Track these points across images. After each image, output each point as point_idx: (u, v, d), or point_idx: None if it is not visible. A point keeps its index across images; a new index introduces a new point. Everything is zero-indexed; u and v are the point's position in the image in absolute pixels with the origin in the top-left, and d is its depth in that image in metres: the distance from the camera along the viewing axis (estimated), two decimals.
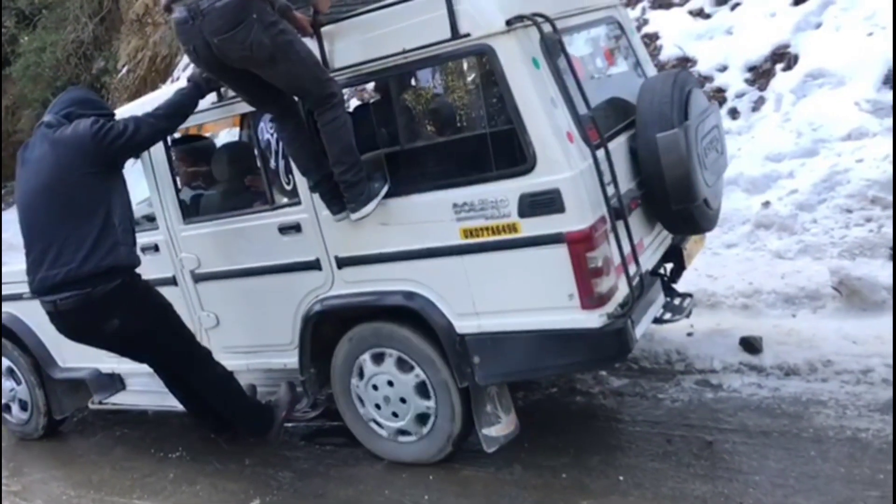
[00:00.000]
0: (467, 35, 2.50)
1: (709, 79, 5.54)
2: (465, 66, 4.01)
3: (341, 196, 2.79)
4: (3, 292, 4.00)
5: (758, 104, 5.27)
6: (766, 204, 4.55)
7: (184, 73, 11.00)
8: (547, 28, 2.55)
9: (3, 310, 4.03)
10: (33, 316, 3.68)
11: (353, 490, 3.10)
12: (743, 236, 4.55)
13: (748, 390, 3.25)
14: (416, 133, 3.78)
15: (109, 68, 12.85)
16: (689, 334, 3.72)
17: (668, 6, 6.09)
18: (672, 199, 2.81)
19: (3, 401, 4.25)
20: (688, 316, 3.17)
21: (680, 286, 3.96)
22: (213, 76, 2.83)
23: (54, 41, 13.07)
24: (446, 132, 3.91)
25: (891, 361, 3.12)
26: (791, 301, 3.83)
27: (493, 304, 2.70)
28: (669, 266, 3.36)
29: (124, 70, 12.46)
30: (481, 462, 3.05)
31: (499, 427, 2.90)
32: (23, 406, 4.22)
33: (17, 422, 4.27)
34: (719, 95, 5.45)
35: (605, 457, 2.95)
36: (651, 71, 3.53)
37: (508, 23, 2.47)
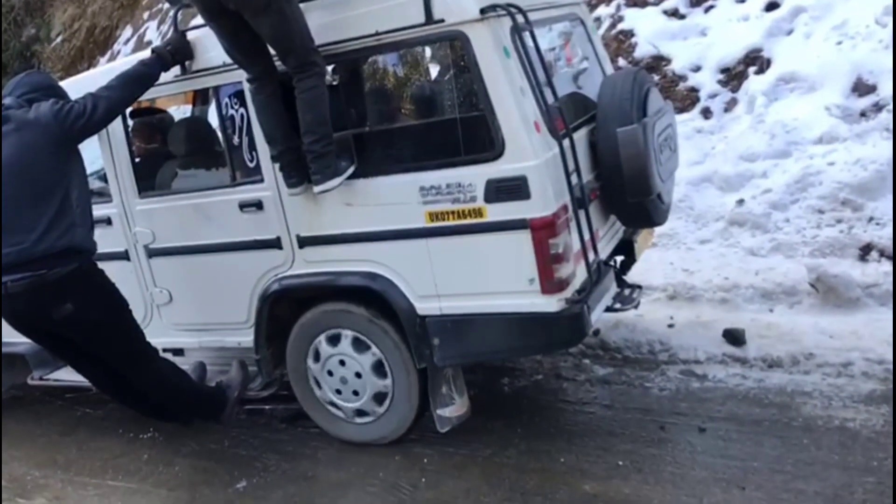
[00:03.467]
0: (441, 21, 2.68)
1: (682, 78, 5.87)
2: (437, 51, 4.27)
3: (301, 169, 2.93)
4: None
5: (730, 105, 5.60)
6: (741, 202, 4.85)
7: (124, 45, 11.01)
8: (519, 19, 2.75)
9: None
10: None
11: (346, 472, 3.20)
12: (717, 233, 4.85)
13: (733, 381, 3.48)
14: (386, 115, 3.97)
15: (42, 36, 12.75)
16: (671, 325, 3.98)
17: (643, 5, 6.42)
18: (629, 191, 3.03)
19: None
20: (636, 307, 3.42)
21: (658, 279, 4.26)
22: (205, 17, 2.91)
23: None
24: (415, 116, 4.10)
25: (870, 356, 3.41)
26: (768, 296, 4.14)
27: (455, 286, 2.88)
28: (620, 258, 3.62)
29: (58, 39, 12.39)
30: (474, 446, 3.21)
31: (452, 408, 3.09)
32: None
33: None
34: (692, 95, 5.78)
35: (602, 442, 3.13)
36: (609, 69, 3.79)
37: (482, 11, 2.66)
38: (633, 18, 6.34)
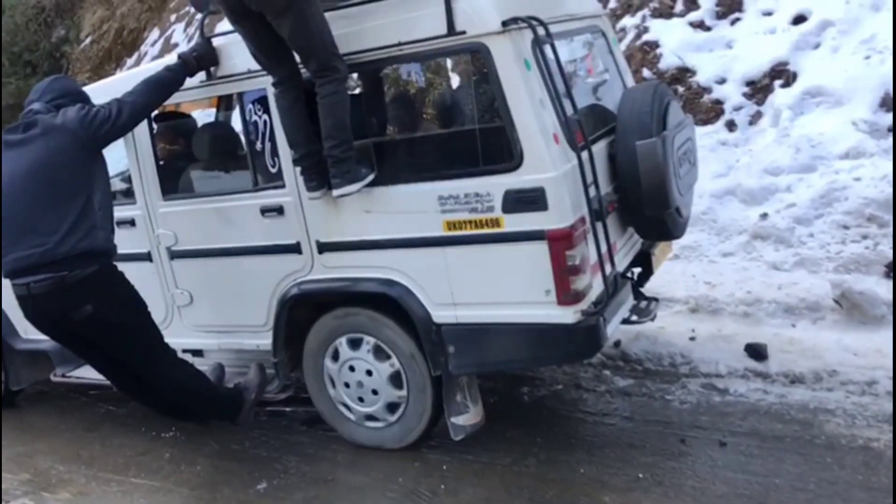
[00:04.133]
0: (463, 32, 2.74)
1: (707, 90, 5.89)
2: (458, 62, 4.34)
3: (321, 174, 3.00)
4: None
5: (755, 118, 5.60)
6: (764, 216, 4.85)
7: (151, 47, 11.22)
8: (540, 31, 2.80)
9: None
10: None
11: (365, 476, 3.24)
12: (740, 246, 4.84)
13: (755, 396, 3.49)
14: (406, 124, 4.05)
15: (71, 38, 13.02)
16: (692, 338, 3.99)
17: (669, 16, 6.46)
18: (646, 205, 3.06)
19: None
20: (652, 319, 3.44)
21: (680, 291, 4.26)
22: (230, 18, 2.97)
23: (13, 5, 13.23)
24: (435, 125, 4.19)
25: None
26: (791, 311, 4.14)
27: (472, 295, 2.92)
28: (637, 270, 3.64)
29: (87, 41, 12.64)
30: (494, 454, 3.24)
31: (466, 417, 3.12)
32: None
33: None
34: (717, 107, 5.79)
35: (622, 454, 3.15)
36: (630, 81, 3.82)
37: (504, 23, 2.71)
38: (659, 30, 6.36)
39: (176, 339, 3.53)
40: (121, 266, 3.20)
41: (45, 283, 2.96)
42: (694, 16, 6.33)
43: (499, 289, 2.90)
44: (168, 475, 3.54)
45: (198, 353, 3.71)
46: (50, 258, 2.94)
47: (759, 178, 5.16)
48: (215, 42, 3.27)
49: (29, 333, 3.99)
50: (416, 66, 4.17)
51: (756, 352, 3.76)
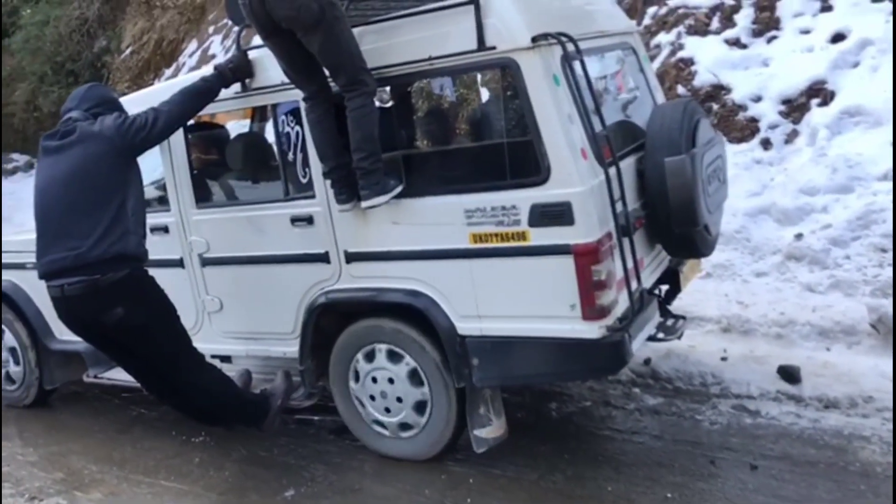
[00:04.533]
0: (493, 48, 2.79)
1: (742, 108, 5.84)
2: (488, 76, 4.40)
3: (351, 186, 3.07)
4: (6, 261, 4.31)
5: (791, 137, 5.55)
6: (799, 236, 4.81)
7: (189, 58, 11.48)
8: (569, 47, 2.84)
9: (4, 277, 4.35)
10: (34, 286, 3.96)
11: (392, 488, 3.26)
12: (773, 266, 4.80)
13: (787, 419, 3.45)
14: (434, 137, 4.13)
15: (112, 48, 13.39)
16: (724, 359, 3.97)
17: (704, 33, 6.45)
18: (675, 221, 3.07)
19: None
20: (679, 338, 3.43)
21: (712, 310, 4.21)
22: (261, 35, 3.07)
23: (58, 16, 13.66)
24: (463, 139, 4.26)
25: None
26: (825, 334, 4.09)
27: (496, 308, 2.95)
28: (665, 288, 3.63)
29: (128, 51, 12.98)
30: (520, 468, 3.25)
31: (489, 429, 3.14)
32: (10, 378, 4.54)
33: (9, 389, 4.57)
34: (752, 125, 5.75)
35: (650, 472, 3.14)
36: (661, 98, 3.84)
37: (534, 39, 2.76)
38: (694, 46, 6.35)
39: (205, 344, 3.62)
40: (154, 272, 3.29)
41: (78, 285, 3.06)
42: (730, 33, 6.31)
43: (524, 302, 2.92)
44: (197, 479, 3.60)
45: (226, 358, 3.79)
46: (83, 261, 3.04)
47: (794, 197, 5.12)
48: (251, 54, 3.37)
49: (63, 335, 4.11)
50: (448, 80, 4.24)
51: (789, 374, 3.72)
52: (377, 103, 3.20)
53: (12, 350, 4.51)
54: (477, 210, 2.94)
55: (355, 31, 3.03)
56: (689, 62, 6.32)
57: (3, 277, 4.37)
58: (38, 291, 3.96)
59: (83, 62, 13.67)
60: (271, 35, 3.01)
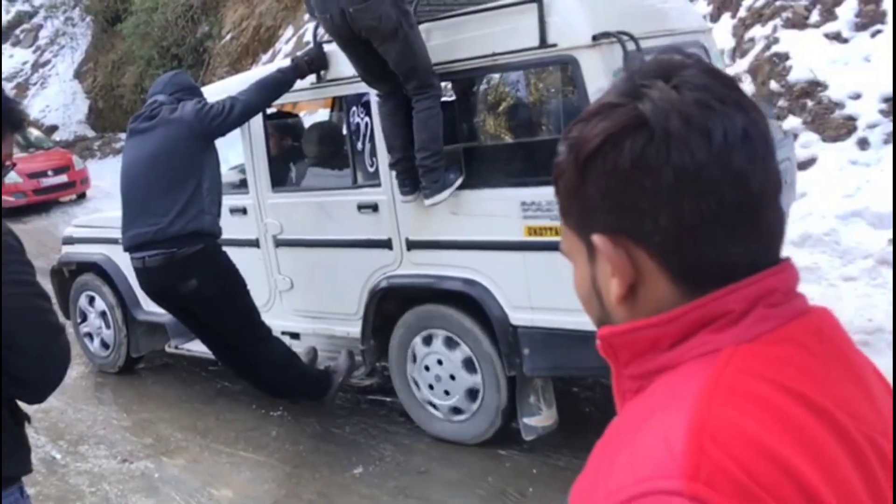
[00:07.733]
0: (554, 45, 2.94)
1: (839, 105, 5.70)
2: (548, 73, 4.50)
3: (414, 178, 3.28)
4: (101, 235, 4.79)
5: (890, 137, 5.48)
6: (893, 241, 4.72)
7: (285, 44, 12.00)
8: (631, 46, 2.94)
9: (99, 251, 4.83)
10: (124, 259, 4.29)
11: (456, 472, 3.41)
12: (864, 271, 4.69)
13: None
14: (495, 132, 4.30)
15: (213, 34, 14.17)
16: None
17: (803, 27, 6.30)
18: None
19: (89, 332, 5.04)
20: None
21: None
22: (340, 44, 3.32)
23: (165, 2, 14.55)
24: (523, 134, 4.40)
25: None
26: None
27: (548, 300, 3.10)
28: None
29: (228, 37, 13.70)
30: (584, 462, 3.37)
31: (539, 418, 3.29)
32: (105, 344, 5.02)
33: (102, 355, 5.04)
34: (849, 124, 5.61)
35: None
36: None
37: (595, 38, 2.89)
38: (790, 41, 6.22)
39: (276, 320, 3.93)
40: (231, 251, 3.62)
41: (158, 257, 3.42)
42: (831, 27, 6.14)
43: (575, 295, 3.04)
44: (273, 451, 3.84)
45: (295, 335, 4.10)
46: (162, 236, 3.39)
47: (889, 200, 4.99)
48: (327, 48, 3.62)
49: (149, 306, 4.52)
50: (511, 75, 4.36)
51: None
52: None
53: (102, 314, 4.98)
54: (533, 203, 3.09)
55: (423, 27, 3.24)
56: (783, 57, 6.20)
57: (97, 250, 4.84)
58: (127, 264, 4.37)
59: (187, 46, 14.53)
60: (349, 44, 3.25)
